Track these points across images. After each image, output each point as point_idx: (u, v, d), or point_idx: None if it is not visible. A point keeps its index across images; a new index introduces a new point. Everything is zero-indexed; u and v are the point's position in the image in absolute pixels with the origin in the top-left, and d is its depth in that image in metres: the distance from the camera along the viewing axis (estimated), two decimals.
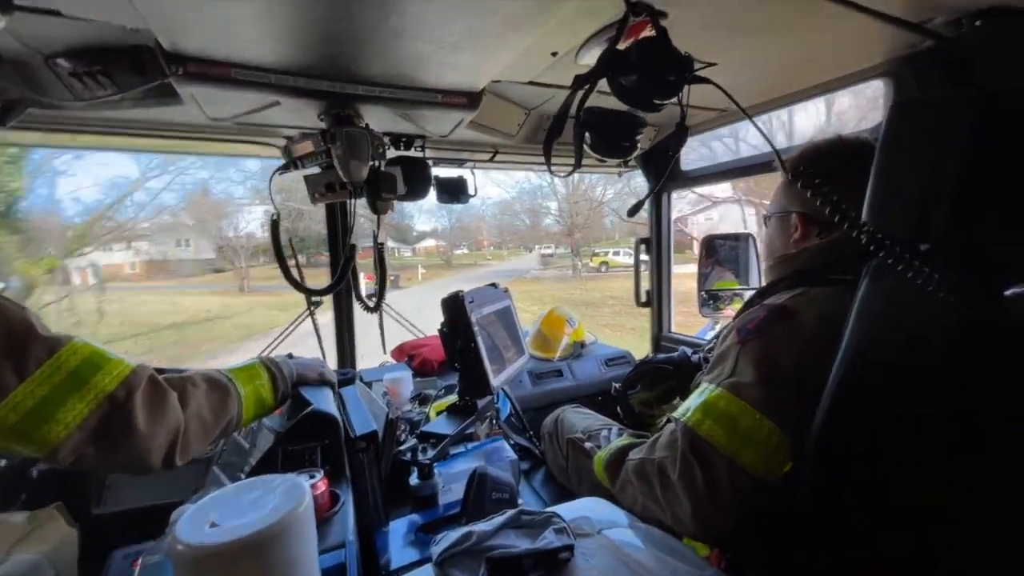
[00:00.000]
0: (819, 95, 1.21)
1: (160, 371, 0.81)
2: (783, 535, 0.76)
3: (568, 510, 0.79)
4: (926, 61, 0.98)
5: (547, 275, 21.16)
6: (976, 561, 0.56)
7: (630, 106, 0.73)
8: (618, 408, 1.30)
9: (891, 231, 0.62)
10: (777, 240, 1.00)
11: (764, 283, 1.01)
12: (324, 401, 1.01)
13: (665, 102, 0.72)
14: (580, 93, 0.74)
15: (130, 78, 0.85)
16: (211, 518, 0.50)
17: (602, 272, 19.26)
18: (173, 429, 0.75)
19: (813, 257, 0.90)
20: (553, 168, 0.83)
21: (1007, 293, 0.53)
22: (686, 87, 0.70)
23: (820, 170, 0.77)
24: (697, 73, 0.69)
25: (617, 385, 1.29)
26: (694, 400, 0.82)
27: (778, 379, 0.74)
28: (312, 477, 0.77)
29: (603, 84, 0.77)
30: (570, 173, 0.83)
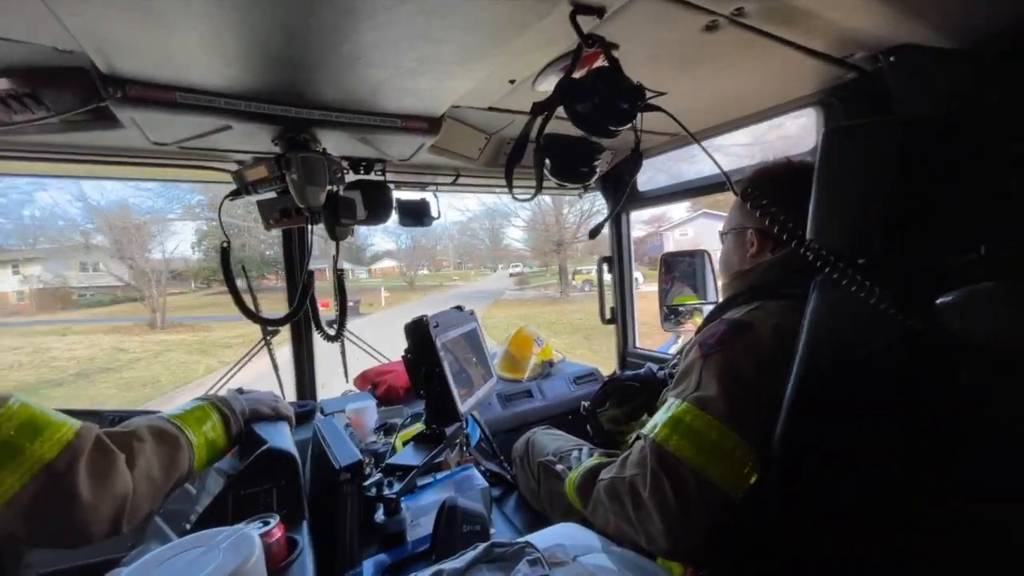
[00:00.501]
0: (758, 122, 1.29)
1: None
2: (752, 549, 0.76)
3: (542, 538, 0.78)
4: (851, 91, 1.07)
5: (527, 296, 20.39)
6: (948, 568, 0.58)
7: (586, 132, 0.76)
8: (588, 427, 1.30)
9: (834, 248, 0.66)
10: (734, 256, 1.04)
11: (721, 298, 1.05)
12: (280, 438, 0.95)
13: (619, 128, 0.74)
14: (539, 120, 0.76)
15: (63, 101, 0.79)
16: None
17: (587, 291, 18.34)
18: (120, 496, 0.67)
19: (766, 272, 0.94)
20: (515, 192, 0.84)
21: (938, 302, 0.57)
22: (640, 114, 0.73)
23: (769, 191, 0.81)
24: (649, 102, 0.72)
25: (586, 403, 1.29)
26: (661, 416, 0.82)
27: (740, 391, 0.76)
28: (266, 524, 0.71)
29: (561, 111, 0.79)
30: (532, 197, 0.85)
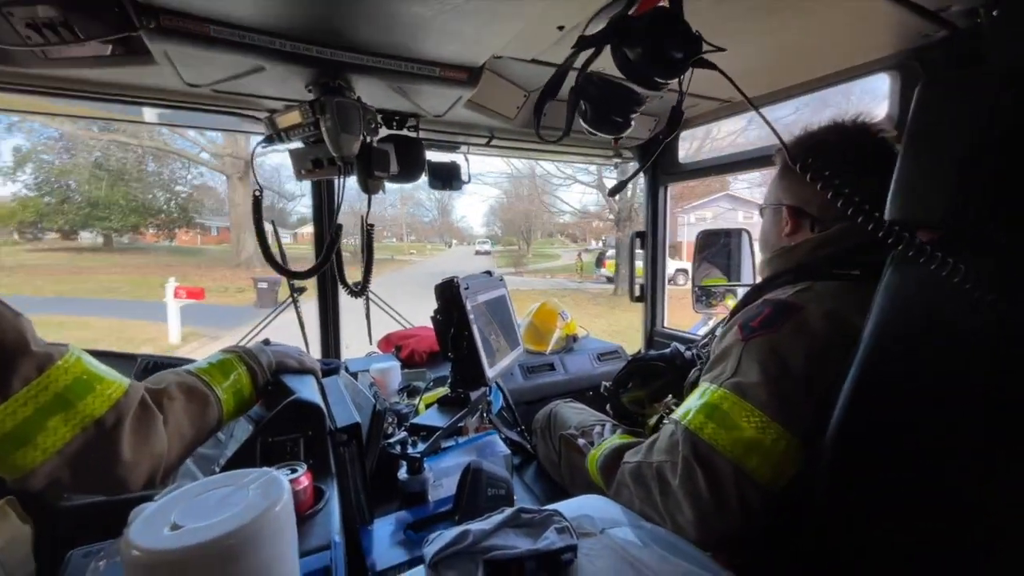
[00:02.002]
0: (822, 88, 1.18)
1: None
2: (790, 543, 0.73)
3: (569, 508, 0.75)
4: (937, 53, 0.96)
5: (534, 284, 15.42)
6: (1016, 570, 0.53)
7: (631, 80, 0.69)
8: (607, 407, 1.26)
9: (922, 217, 0.59)
10: (771, 233, 0.97)
11: (761, 277, 0.98)
12: (307, 389, 0.94)
13: (666, 80, 0.67)
14: (582, 56, 0.70)
15: (95, 29, 0.76)
16: (172, 519, 0.44)
17: (604, 283, 14.55)
18: (158, 455, 0.69)
19: (814, 250, 0.87)
20: (542, 133, 0.79)
21: None
22: (688, 72, 0.66)
23: (824, 159, 0.73)
24: (704, 56, 0.65)
25: (607, 383, 1.25)
26: (694, 401, 0.78)
27: (786, 379, 0.71)
28: (293, 471, 0.71)
29: (601, 64, 0.72)
30: (559, 139, 0.79)
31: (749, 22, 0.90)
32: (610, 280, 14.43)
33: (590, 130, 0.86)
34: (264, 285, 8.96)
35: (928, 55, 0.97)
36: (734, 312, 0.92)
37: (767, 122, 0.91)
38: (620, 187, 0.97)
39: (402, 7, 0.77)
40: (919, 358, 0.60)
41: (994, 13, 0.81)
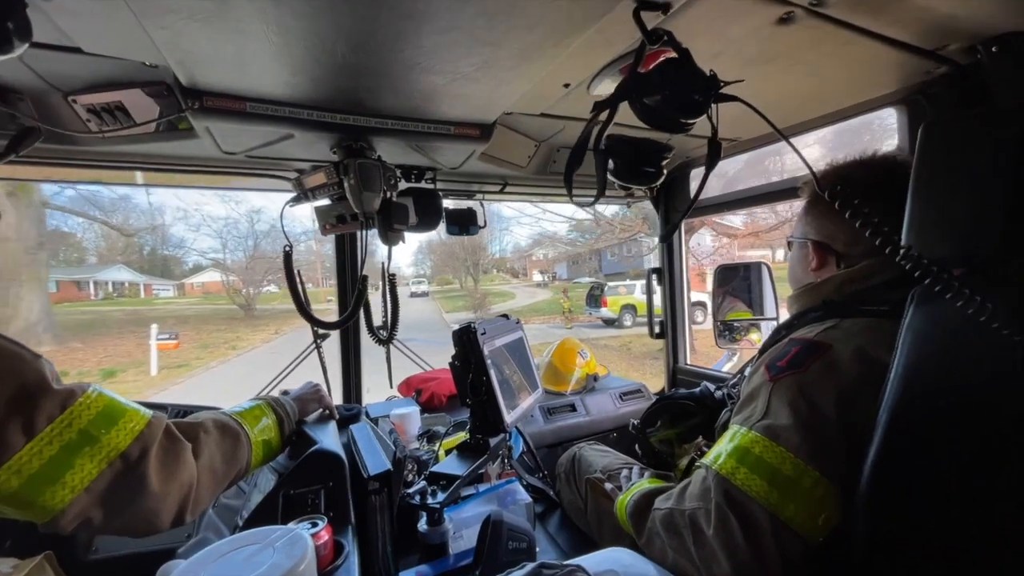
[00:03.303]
0: (832, 123, 1.20)
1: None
2: None
3: (593, 562, 0.73)
4: (941, 88, 0.97)
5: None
6: None
7: (655, 127, 0.72)
8: (636, 446, 1.23)
9: (935, 256, 0.58)
10: (798, 268, 0.97)
11: (789, 313, 0.96)
12: (328, 439, 0.96)
13: (691, 121, 0.70)
14: (602, 118, 0.73)
15: (146, 113, 0.85)
16: None
17: (623, 325, 11.68)
18: (186, 485, 0.69)
19: (840, 287, 0.85)
20: (575, 199, 0.81)
21: None
22: (714, 105, 0.69)
23: (853, 190, 0.74)
24: (723, 91, 0.67)
25: (635, 421, 1.22)
26: (725, 445, 0.75)
27: (818, 422, 0.68)
28: (314, 525, 0.71)
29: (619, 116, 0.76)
30: (594, 202, 0.81)
31: (749, 71, 0.94)
32: (609, 323, 12.01)
33: (622, 184, 0.88)
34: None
35: (932, 91, 0.99)
36: (761, 351, 0.90)
37: (796, 151, 0.91)
38: (671, 232, 0.97)
39: (419, 77, 0.84)
40: (948, 395, 0.57)
41: (993, 49, 0.83)
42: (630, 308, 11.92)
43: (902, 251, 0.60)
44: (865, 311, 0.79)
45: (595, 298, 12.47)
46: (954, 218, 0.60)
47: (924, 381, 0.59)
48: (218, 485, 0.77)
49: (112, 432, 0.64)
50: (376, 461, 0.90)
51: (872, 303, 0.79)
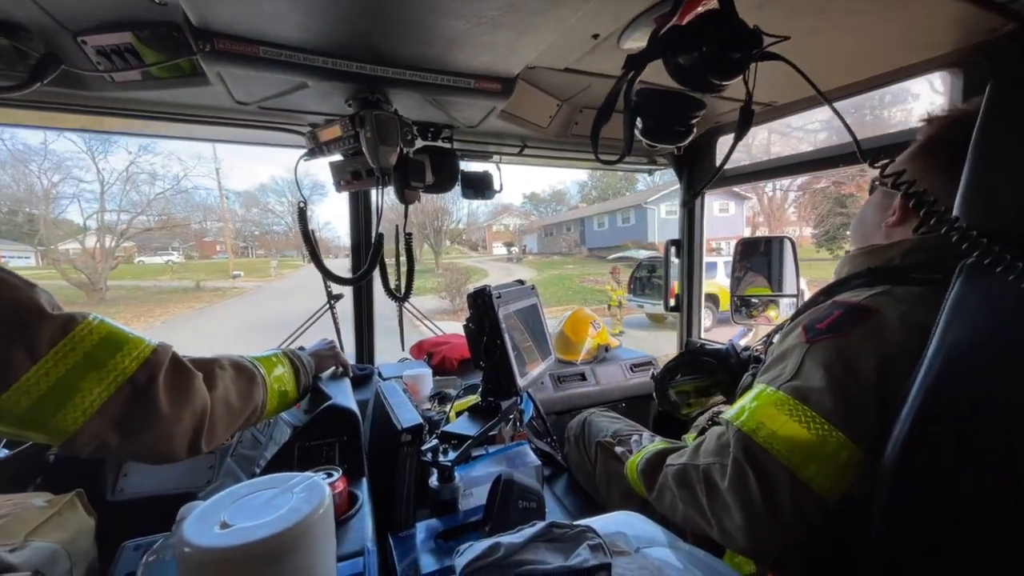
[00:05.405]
0: (880, 87, 1.12)
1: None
2: (844, 558, 0.68)
3: (602, 524, 0.73)
4: (1004, 48, 0.89)
5: None
6: None
7: (687, 87, 0.67)
8: (653, 393, 1.23)
9: (993, 228, 0.54)
10: (872, 216, 0.88)
11: (837, 276, 0.87)
12: (343, 395, 0.97)
13: (726, 82, 0.65)
14: (631, 75, 0.68)
15: (156, 55, 0.82)
16: (222, 517, 0.46)
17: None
18: (199, 412, 0.70)
19: (906, 255, 0.78)
20: (601, 156, 0.77)
21: None
22: (752, 65, 0.63)
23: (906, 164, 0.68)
24: (767, 49, 0.62)
25: (656, 371, 1.22)
26: (748, 402, 0.74)
27: (855, 386, 0.66)
28: (330, 476, 0.72)
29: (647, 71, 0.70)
30: (619, 160, 0.77)
31: (796, 25, 0.87)
32: (657, 320, 8.29)
33: (649, 143, 0.83)
34: None
35: (994, 50, 0.91)
36: (798, 312, 0.86)
37: (840, 117, 0.84)
38: (692, 198, 0.93)
39: (439, 21, 0.79)
40: (988, 371, 0.55)
41: None
42: (712, 299, 7.47)
43: (950, 223, 0.56)
44: (916, 279, 0.74)
45: (645, 283, 7.68)
46: (1013, 190, 0.56)
47: (965, 353, 0.56)
48: (233, 419, 0.77)
49: (118, 357, 0.64)
50: (408, 415, 0.91)
51: (922, 271, 0.74)
